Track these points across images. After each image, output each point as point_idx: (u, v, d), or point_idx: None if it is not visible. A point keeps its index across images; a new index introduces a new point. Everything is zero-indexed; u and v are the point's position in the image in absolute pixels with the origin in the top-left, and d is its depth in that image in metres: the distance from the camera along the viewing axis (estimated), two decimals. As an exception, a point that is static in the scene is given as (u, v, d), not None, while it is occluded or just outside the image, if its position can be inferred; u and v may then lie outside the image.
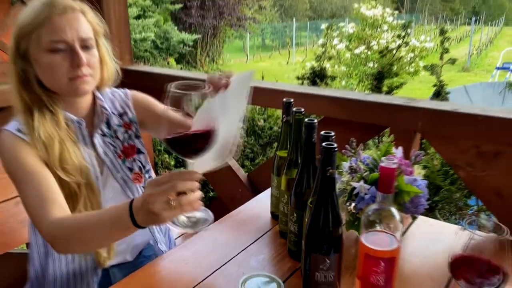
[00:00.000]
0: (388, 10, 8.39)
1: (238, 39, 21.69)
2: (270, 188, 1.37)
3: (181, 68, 12.05)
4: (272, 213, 1.35)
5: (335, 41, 8.51)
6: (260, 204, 1.43)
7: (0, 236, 1.57)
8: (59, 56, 1.07)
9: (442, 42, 6.21)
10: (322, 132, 0.92)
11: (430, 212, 1.95)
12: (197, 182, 0.90)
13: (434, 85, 4.09)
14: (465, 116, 1.30)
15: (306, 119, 1.02)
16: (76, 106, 1.18)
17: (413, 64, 8.42)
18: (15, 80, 1.11)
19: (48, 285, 1.18)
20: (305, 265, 0.93)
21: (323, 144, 0.86)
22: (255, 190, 1.89)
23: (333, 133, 0.92)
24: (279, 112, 2.45)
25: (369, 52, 8.00)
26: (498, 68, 13.39)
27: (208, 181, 2.11)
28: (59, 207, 1.04)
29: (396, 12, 8.97)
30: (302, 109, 1.11)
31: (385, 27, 8.13)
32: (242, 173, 1.93)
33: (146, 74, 2.16)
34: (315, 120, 1.02)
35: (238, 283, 0.93)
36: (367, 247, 0.88)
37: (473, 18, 24.69)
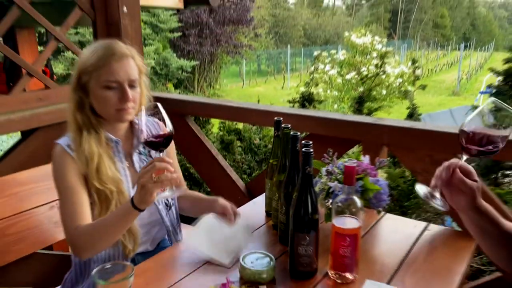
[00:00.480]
0: (377, 38, 8.86)
1: (234, 64, 22.25)
2: (264, 193, 1.66)
3: (179, 93, 12.43)
4: (266, 211, 1.64)
5: (327, 67, 8.95)
6: (256, 206, 1.72)
7: (34, 236, 1.84)
8: (111, 92, 1.37)
9: (413, 71, 6.63)
10: (302, 142, 1.22)
11: (403, 216, 2.24)
12: (170, 166, 1.22)
13: (408, 108, 4.47)
14: (421, 132, 1.61)
15: (291, 133, 1.33)
16: (116, 128, 1.47)
17: (402, 89, 8.84)
18: (73, 105, 1.40)
19: (91, 268, 1.46)
20: (291, 242, 1.21)
21: (303, 149, 1.17)
22: (252, 197, 2.17)
23: (311, 142, 1.22)
24: (273, 131, 2.75)
25: (359, 78, 8.42)
26: (482, 93, 13.86)
27: (211, 190, 2.40)
28: (84, 220, 1.34)
29: (385, 40, 9.41)
30: (289, 125, 1.42)
31: (374, 54, 8.58)
32: (241, 183, 2.22)
33: (160, 99, 2.47)
34: (298, 133, 1.32)
35: (240, 258, 1.22)
36: (336, 227, 1.17)
37: (462, 45, 25.47)
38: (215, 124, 3.42)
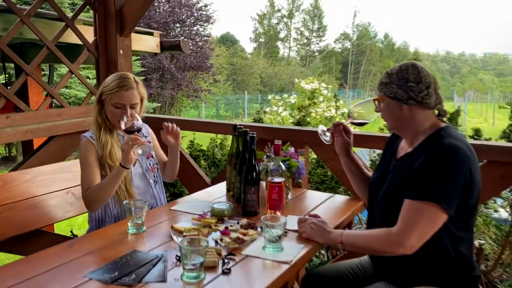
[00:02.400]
0: (323, 84, 10.03)
1: (193, 109, 23.08)
2: (224, 182, 2.40)
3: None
4: (227, 189, 2.37)
5: (280, 109, 9.97)
6: (220, 187, 2.46)
7: (55, 211, 2.47)
8: (117, 109, 2.08)
9: (335, 102, 7.80)
10: (249, 132, 2.00)
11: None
12: (139, 138, 1.94)
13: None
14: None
15: (243, 130, 2.11)
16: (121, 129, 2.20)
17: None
18: (96, 111, 2.12)
19: (106, 222, 2.13)
20: (242, 192, 1.96)
21: (249, 134, 1.95)
22: (216, 191, 2.90)
23: (255, 132, 1.99)
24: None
25: (308, 119, 9.43)
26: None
27: (184, 185, 3.10)
28: (94, 184, 2.03)
29: (331, 86, 10.59)
30: (242, 126, 2.20)
31: (321, 98, 9.70)
32: (207, 179, 2.96)
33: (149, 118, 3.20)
34: (248, 130, 2.09)
35: (211, 204, 1.95)
36: (270, 181, 1.92)
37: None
38: (184, 143, 4.16)
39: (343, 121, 1.92)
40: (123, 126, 1.98)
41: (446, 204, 1.44)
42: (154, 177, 2.31)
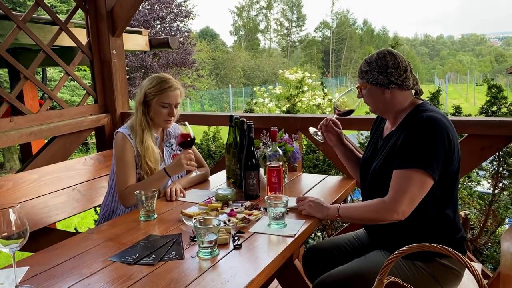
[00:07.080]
0: (307, 74, 10.19)
1: (178, 105, 22.97)
2: (224, 170, 2.53)
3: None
4: (227, 177, 2.51)
5: (266, 100, 10.09)
6: (220, 175, 2.59)
7: (63, 208, 2.58)
8: (165, 109, 2.20)
9: (323, 90, 7.99)
10: (246, 122, 2.13)
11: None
12: (192, 157, 2.12)
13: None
14: (316, 119, 2.59)
15: (240, 119, 2.23)
16: (158, 130, 2.31)
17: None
18: (140, 113, 2.20)
19: (116, 214, 2.24)
20: (243, 177, 2.09)
21: (247, 123, 2.08)
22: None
23: (252, 121, 2.12)
24: (225, 139, 3.61)
25: (297, 107, 9.58)
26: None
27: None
28: (131, 183, 2.14)
29: (314, 75, 10.74)
30: (239, 115, 2.33)
31: (306, 87, 9.85)
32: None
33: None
34: (245, 119, 2.22)
35: (215, 190, 2.08)
36: (269, 166, 2.06)
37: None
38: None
39: (329, 115, 2.07)
40: (179, 139, 2.17)
41: (430, 169, 1.59)
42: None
